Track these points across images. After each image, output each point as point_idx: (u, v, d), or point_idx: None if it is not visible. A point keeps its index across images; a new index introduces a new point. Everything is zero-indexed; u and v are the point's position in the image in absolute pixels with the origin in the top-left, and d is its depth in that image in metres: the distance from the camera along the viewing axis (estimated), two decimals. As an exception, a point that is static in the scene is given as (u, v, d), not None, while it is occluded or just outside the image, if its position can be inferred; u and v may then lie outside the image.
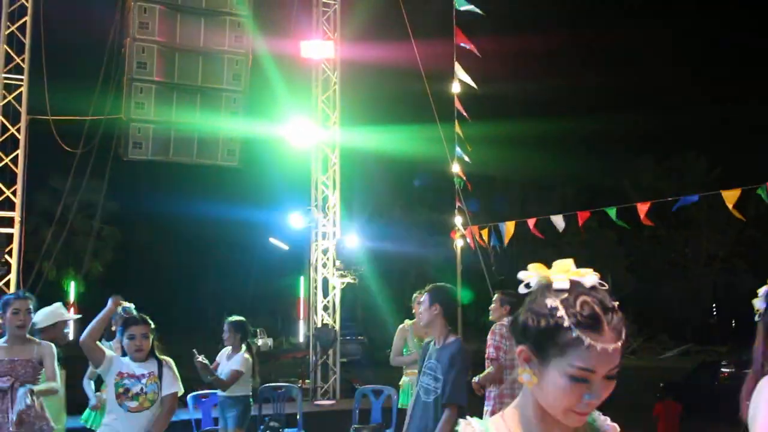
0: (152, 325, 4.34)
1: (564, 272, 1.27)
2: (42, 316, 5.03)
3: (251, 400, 6.57)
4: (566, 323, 1.21)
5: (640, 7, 42.31)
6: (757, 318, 2.15)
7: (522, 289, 1.30)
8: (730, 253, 37.46)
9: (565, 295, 1.24)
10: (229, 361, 6.30)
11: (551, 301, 1.24)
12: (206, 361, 6.22)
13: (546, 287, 1.27)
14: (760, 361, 2.08)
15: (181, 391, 4.42)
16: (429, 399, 4.01)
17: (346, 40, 11.48)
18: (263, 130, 11.48)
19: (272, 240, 13.60)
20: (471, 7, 8.32)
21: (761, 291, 2.15)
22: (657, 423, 10.40)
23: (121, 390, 4.18)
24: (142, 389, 4.19)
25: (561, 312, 1.22)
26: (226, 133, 10.70)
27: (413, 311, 6.45)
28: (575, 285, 1.25)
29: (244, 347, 6.32)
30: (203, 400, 7.75)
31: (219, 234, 36.49)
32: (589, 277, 1.26)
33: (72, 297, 32.72)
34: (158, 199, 31.18)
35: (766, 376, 1.99)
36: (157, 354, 4.33)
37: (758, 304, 2.15)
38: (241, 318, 6.49)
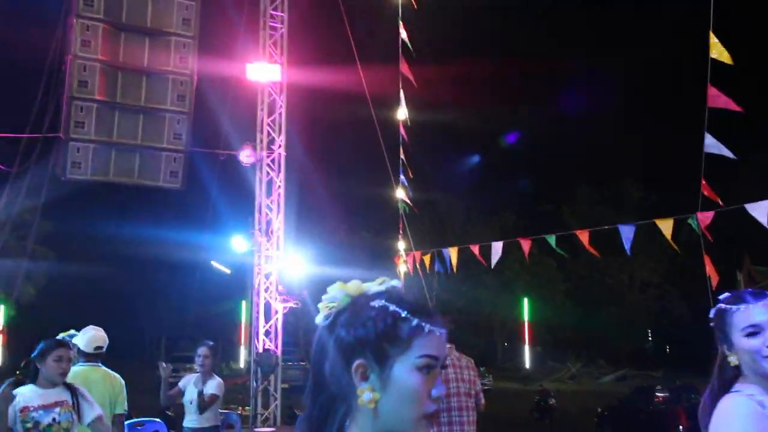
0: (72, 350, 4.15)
1: (367, 285, 1.25)
2: None
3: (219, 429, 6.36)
4: (403, 314, 1.18)
5: (584, 35, 43.76)
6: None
7: (321, 319, 1.24)
8: (664, 279, 38.60)
9: (384, 296, 1.22)
10: (205, 386, 6.09)
11: (376, 303, 1.20)
12: (170, 368, 6.06)
13: (358, 299, 1.23)
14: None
15: (100, 412, 4.22)
16: None
17: (292, 63, 11.51)
18: (208, 151, 11.36)
19: (214, 263, 13.40)
20: (405, 39, 8.55)
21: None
22: None
23: (30, 425, 3.82)
24: (54, 419, 3.86)
25: (393, 307, 1.19)
26: (170, 153, 10.55)
27: None
28: (387, 288, 1.24)
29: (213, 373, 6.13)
30: (138, 428, 7.54)
31: (159, 256, 35.62)
32: (391, 280, 1.26)
33: (1, 321, 31.35)
34: (96, 220, 30.34)
35: (725, 397, 1.89)
36: (65, 381, 4.04)
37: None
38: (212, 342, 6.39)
